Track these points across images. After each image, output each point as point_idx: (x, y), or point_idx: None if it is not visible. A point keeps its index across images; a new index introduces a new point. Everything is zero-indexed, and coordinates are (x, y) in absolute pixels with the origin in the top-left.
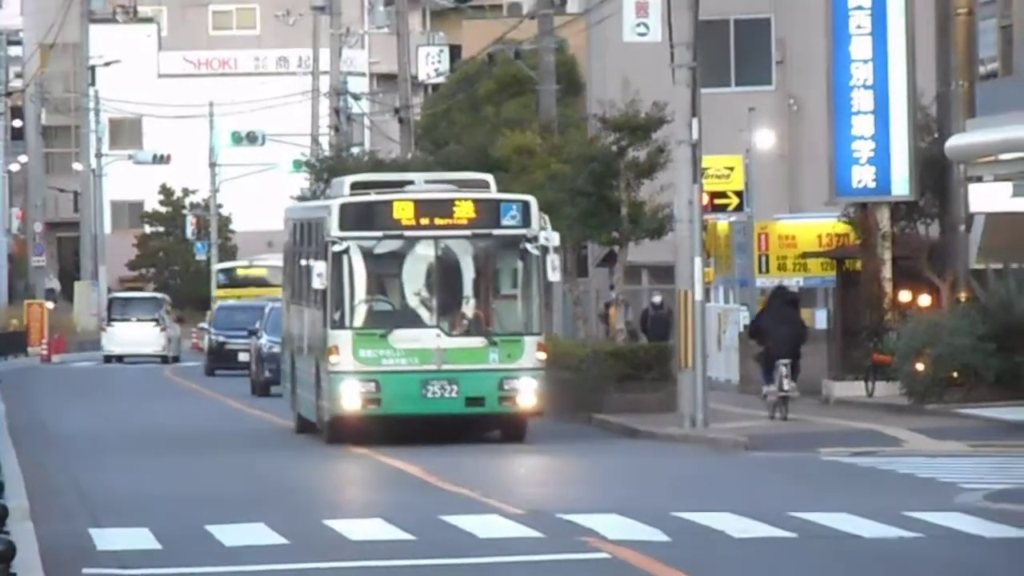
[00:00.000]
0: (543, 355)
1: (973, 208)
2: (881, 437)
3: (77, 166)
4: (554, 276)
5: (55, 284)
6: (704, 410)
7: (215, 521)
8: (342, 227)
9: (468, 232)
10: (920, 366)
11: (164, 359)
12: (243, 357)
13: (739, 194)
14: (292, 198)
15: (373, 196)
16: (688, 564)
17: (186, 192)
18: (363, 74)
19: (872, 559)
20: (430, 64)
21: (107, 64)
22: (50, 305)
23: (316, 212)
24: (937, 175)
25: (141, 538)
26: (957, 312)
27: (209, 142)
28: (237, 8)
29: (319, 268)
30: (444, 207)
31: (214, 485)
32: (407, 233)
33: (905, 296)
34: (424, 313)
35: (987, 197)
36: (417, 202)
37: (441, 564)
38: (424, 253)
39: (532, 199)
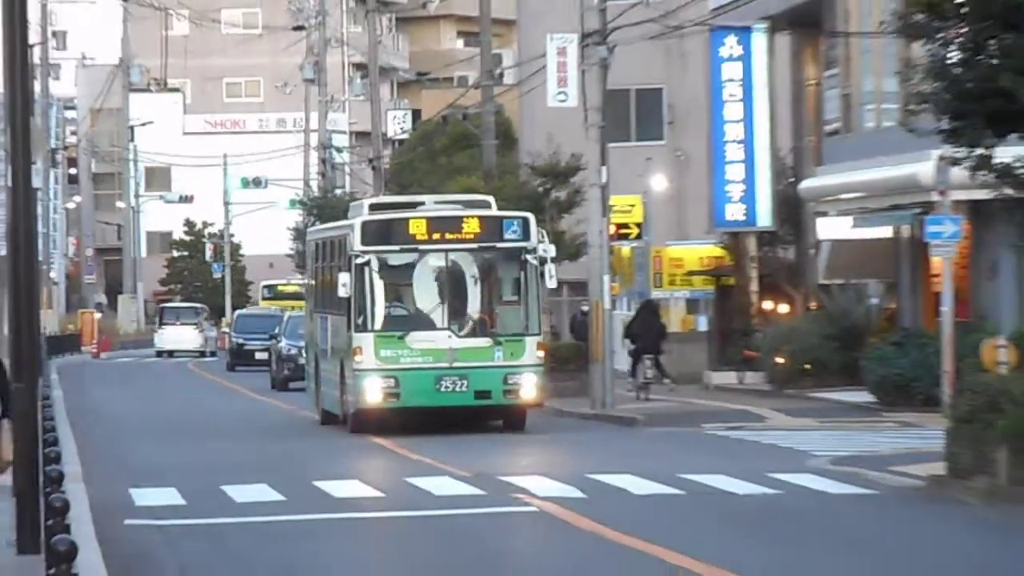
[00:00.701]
0: (542, 353)
1: (820, 236)
2: (750, 415)
3: (120, 204)
4: (551, 283)
5: (102, 298)
6: (610, 394)
7: (229, 483)
8: (364, 242)
9: (475, 245)
10: (780, 359)
11: (202, 354)
12: (259, 356)
13: (639, 225)
14: (288, 229)
15: (391, 214)
16: (599, 515)
17: (205, 225)
18: (344, 132)
19: (743, 510)
20: (396, 124)
21: (143, 124)
22: (98, 315)
23: (339, 231)
24: (792, 210)
25: (170, 496)
26: (808, 318)
27: (223, 185)
28: (245, 80)
29: (344, 279)
30: (453, 223)
31: (232, 457)
32: (421, 247)
33: (768, 305)
34: (437, 317)
35: (831, 228)
36: (430, 219)
37: (402, 515)
38: (436, 264)
39: (531, 216)
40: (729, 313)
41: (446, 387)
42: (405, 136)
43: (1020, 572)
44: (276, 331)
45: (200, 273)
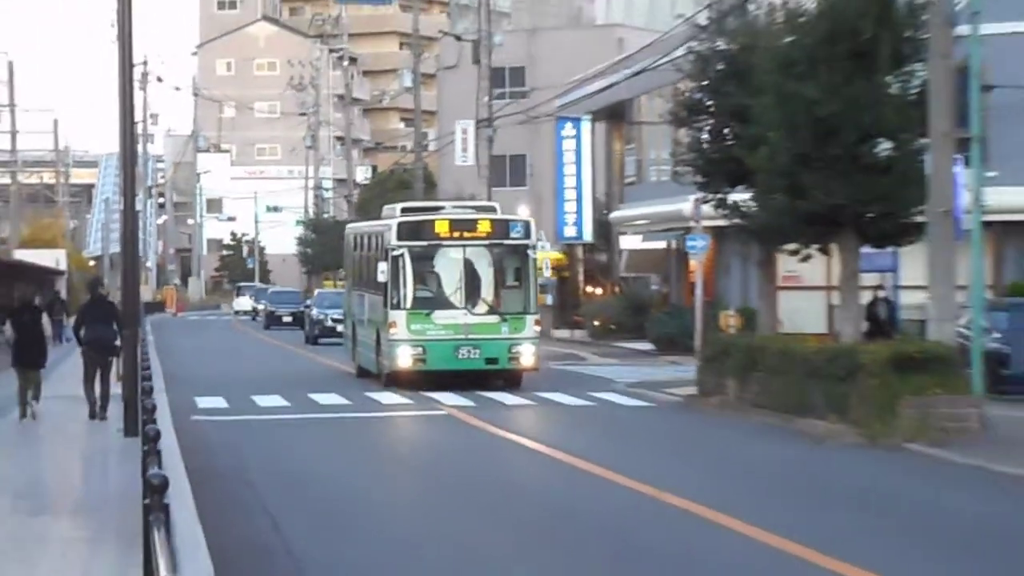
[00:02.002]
0: (539, 328)
1: (621, 247)
2: (577, 357)
3: (190, 221)
4: (547, 273)
5: (178, 280)
6: None
7: (256, 394)
8: (399, 238)
9: (487, 242)
10: (596, 322)
11: (254, 315)
12: (285, 319)
13: None
14: (295, 238)
15: (420, 216)
16: (483, 416)
17: (243, 235)
18: (329, 179)
19: (573, 415)
20: (362, 175)
21: (205, 172)
22: (176, 289)
23: (377, 228)
24: (605, 231)
25: (219, 402)
26: (614, 297)
27: (254, 210)
28: (268, 145)
29: (382, 266)
30: (470, 224)
31: (260, 380)
32: (444, 242)
33: (589, 289)
34: (456, 298)
35: (628, 242)
36: (451, 220)
37: (360, 416)
38: (455, 256)
39: (531, 220)
40: (565, 293)
41: (463, 354)
42: (367, 182)
43: (734, 446)
44: (308, 302)
45: (239, 265)
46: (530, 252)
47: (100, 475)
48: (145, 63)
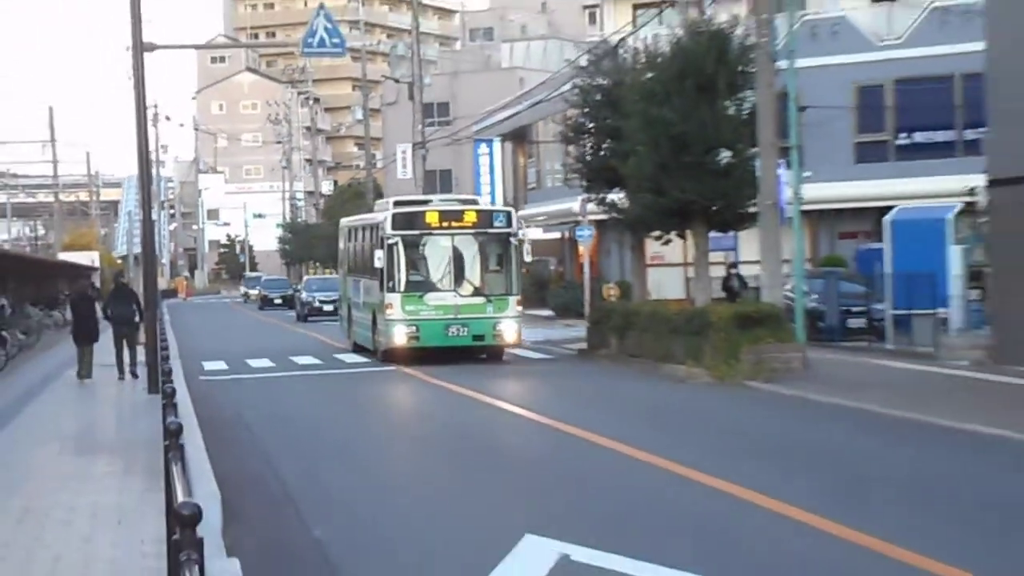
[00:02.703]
0: (520, 308)
1: (528, 238)
2: None
3: (195, 227)
4: (528, 257)
5: (186, 272)
6: None
7: (249, 359)
8: (393, 228)
9: (473, 231)
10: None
11: (248, 299)
12: (277, 302)
13: None
14: (277, 239)
15: (412, 208)
16: (422, 371)
17: (236, 236)
18: (301, 191)
19: (491, 366)
20: (326, 188)
21: (205, 189)
22: (185, 279)
23: (372, 220)
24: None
25: (221, 365)
26: (524, 277)
27: (244, 217)
28: (254, 167)
29: (379, 254)
30: (458, 214)
31: (253, 348)
32: (434, 231)
33: None
34: (446, 282)
35: (532, 233)
36: (441, 211)
37: (328, 373)
38: (445, 244)
39: (513, 210)
40: None
41: (452, 332)
42: (330, 193)
43: (615, 386)
44: (298, 287)
45: (233, 260)
46: (512, 239)
47: (130, 423)
48: (156, 106)
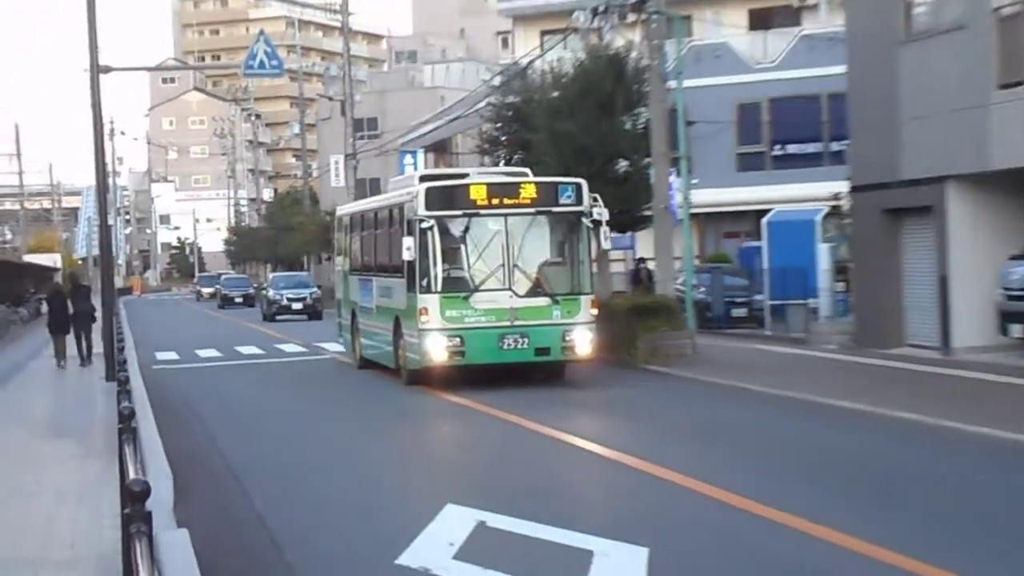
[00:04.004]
0: (595, 311)
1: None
2: None
3: (148, 231)
4: (606, 244)
5: (141, 272)
6: None
7: (198, 349)
8: (428, 207)
9: (532, 210)
10: None
11: (213, 297)
12: (237, 301)
13: None
14: (223, 240)
15: (452, 181)
16: (348, 356)
17: (185, 239)
18: (245, 199)
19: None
20: (267, 195)
21: (157, 196)
22: (140, 278)
23: (393, 200)
24: None
25: (172, 355)
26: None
27: (193, 222)
28: (203, 176)
29: (407, 243)
30: (512, 189)
31: (201, 341)
32: (481, 211)
33: None
34: (498, 278)
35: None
36: (490, 185)
37: (269, 361)
38: (496, 228)
39: (583, 182)
40: None
41: (508, 344)
42: (271, 200)
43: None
44: (264, 284)
45: (183, 260)
46: (584, 220)
47: (89, 409)
48: (112, 121)
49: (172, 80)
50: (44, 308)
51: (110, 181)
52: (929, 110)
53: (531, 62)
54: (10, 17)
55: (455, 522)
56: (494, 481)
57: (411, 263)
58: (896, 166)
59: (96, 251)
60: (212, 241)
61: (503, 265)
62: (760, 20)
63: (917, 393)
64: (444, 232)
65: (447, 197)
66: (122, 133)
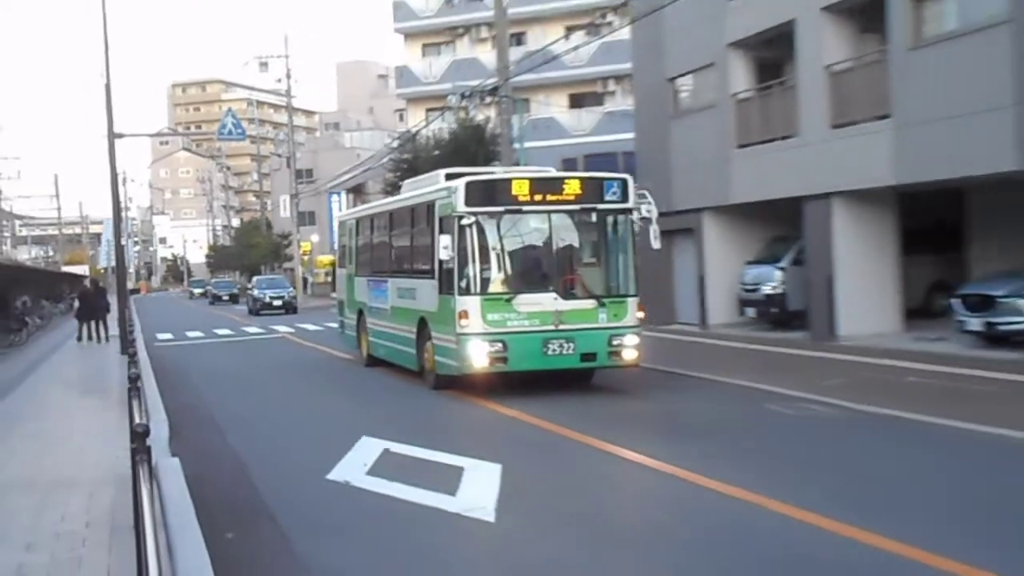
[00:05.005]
0: (641, 314)
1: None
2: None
3: (151, 249)
4: (656, 244)
5: (146, 277)
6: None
7: (190, 329)
8: (468, 203)
9: (576, 206)
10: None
11: (204, 295)
12: (224, 299)
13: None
14: (204, 255)
15: (494, 175)
16: (299, 335)
17: (177, 255)
18: (220, 226)
19: (326, 333)
20: (235, 223)
21: (157, 224)
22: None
23: (416, 197)
24: None
25: (169, 336)
26: None
27: (183, 242)
28: (188, 210)
29: (444, 241)
30: (555, 185)
31: (189, 325)
32: (525, 208)
33: None
34: (542, 279)
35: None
36: (533, 180)
37: (234, 340)
38: (539, 226)
39: (629, 177)
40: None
41: (553, 350)
42: (238, 226)
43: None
44: (249, 285)
45: (175, 269)
46: (633, 216)
47: (109, 373)
48: (124, 172)
49: (167, 143)
50: (75, 304)
51: (123, 214)
52: (690, 163)
53: (419, 130)
54: (50, 88)
55: (367, 450)
56: (400, 423)
57: (446, 263)
58: (670, 201)
59: (113, 263)
60: (196, 255)
61: (547, 265)
62: (576, 101)
63: (683, 353)
64: (484, 230)
65: (489, 192)
66: (132, 180)
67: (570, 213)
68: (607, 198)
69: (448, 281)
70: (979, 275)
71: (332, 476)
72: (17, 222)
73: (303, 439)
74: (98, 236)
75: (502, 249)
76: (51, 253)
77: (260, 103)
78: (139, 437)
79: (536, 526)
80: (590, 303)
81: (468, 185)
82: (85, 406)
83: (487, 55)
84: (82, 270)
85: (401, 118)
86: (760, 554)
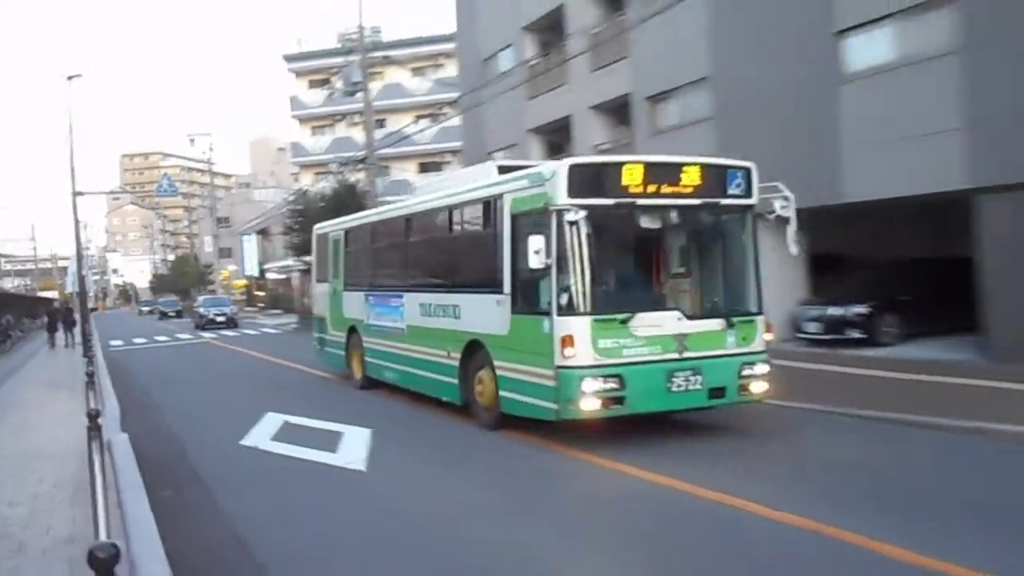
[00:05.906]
0: (770, 336)
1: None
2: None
3: (106, 277)
4: (794, 249)
5: (103, 299)
6: None
7: (158, 336)
8: (572, 194)
9: (698, 201)
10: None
11: (152, 313)
12: (171, 316)
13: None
14: (148, 281)
15: (602, 158)
16: (229, 341)
17: (127, 282)
18: (161, 259)
19: (263, 336)
20: (171, 258)
21: (111, 259)
22: (101, 303)
23: (479, 192)
24: (263, 274)
25: (140, 341)
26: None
27: (133, 272)
28: (136, 249)
29: (535, 244)
30: (672, 172)
31: (146, 334)
32: (640, 201)
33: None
34: (662, 294)
35: (273, 276)
36: (647, 165)
37: (177, 344)
38: (654, 225)
39: (753, 166)
40: (284, 299)
41: (678, 385)
42: (173, 259)
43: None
44: (195, 304)
45: (125, 293)
46: (766, 216)
47: (75, 372)
48: (84, 221)
49: (118, 198)
50: (45, 320)
51: (84, 252)
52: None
53: (308, 189)
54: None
55: (272, 423)
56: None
57: (534, 273)
58: None
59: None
60: (142, 282)
61: (664, 275)
62: (424, 168)
63: (798, 380)
64: (591, 229)
65: (597, 180)
66: (90, 226)
67: (691, 209)
68: (730, 192)
69: (530, 296)
70: None
71: (245, 442)
72: (2, 259)
73: (223, 416)
74: (65, 268)
75: (611, 255)
76: (29, 282)
77: (190, 168)
78: (92, 419)
79: None
80: (718, 323)
81: (572, 169)
82: (57, 399)
83: (359, 135)
84: (53, 294)
85: (296, 179)
86: None
